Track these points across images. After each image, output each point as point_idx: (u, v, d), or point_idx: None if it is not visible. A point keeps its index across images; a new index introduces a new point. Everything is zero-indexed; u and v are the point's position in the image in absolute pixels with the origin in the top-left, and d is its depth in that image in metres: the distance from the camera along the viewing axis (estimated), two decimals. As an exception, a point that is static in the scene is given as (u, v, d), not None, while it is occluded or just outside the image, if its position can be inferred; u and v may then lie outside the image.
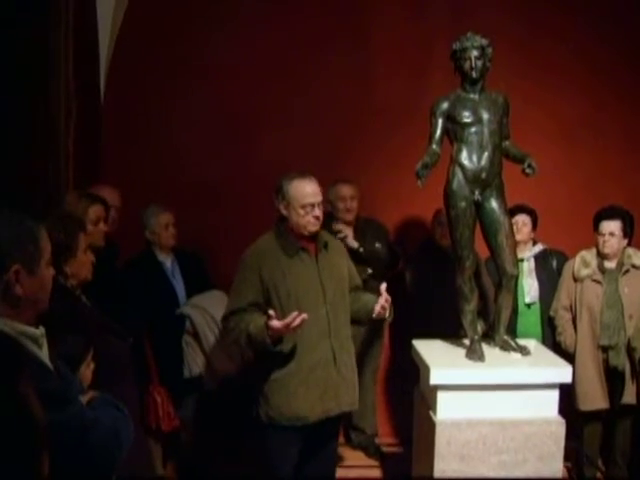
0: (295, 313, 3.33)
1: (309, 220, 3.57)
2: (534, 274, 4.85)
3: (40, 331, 2.02)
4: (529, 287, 4.83)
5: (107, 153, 5.34)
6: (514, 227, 4.74)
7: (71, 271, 3.05)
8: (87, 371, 2.47)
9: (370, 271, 4.71)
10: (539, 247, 4.92)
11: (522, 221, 4.83)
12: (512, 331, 4.63)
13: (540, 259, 4.88)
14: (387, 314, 3.67)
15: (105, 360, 2.84)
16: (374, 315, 3.61)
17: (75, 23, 4.57)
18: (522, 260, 4.80)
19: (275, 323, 3.33)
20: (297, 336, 3.49)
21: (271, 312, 3.35)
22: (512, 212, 4.76)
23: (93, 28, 5.08)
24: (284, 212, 3.63)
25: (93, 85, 5.18)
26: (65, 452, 1.90)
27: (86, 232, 3.23)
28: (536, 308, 4.84)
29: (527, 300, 4.83)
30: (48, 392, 1.88)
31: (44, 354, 2.02)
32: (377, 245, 4.94)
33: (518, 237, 4.75)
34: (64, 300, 2.26)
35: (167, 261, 4.67)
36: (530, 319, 4.83)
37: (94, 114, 5.20)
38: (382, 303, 3.56)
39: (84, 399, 2.09)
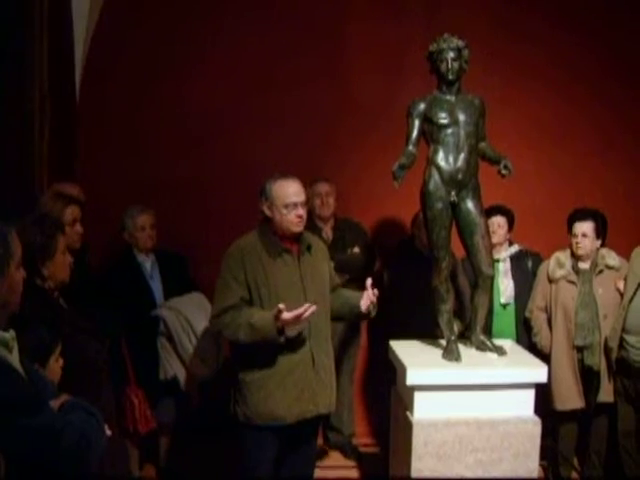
0: (307, 304, 3.41)
1: (292, 219, 3.59)
2: (510, 274, 4.87)
3: (10, 334, 1.99)
4: (505, 287, 4.85)
5: (82, 153, 5.30)
6: (490, 229, 4.78)
7: (49, 273, 3.01)
8: (56, 365, 2.45)
9: (347, 276, 4.72)
10: (515, 248, 4.94)
11: (497, 223, 4.84)
12: (487, 331, 4.64)
13: (516, 260, 4.90)
14: (372, 310, 3.72)
15: (82, 363, 2.82)
16: (363, 309, 3.68)
17: (50, 21, 4.53)
18: (498, 261, 4.82)
19: (286, 315, 3.37)
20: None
21: (281, 306, 3.37)
22: (488, 213, 4.77)
23: (68, 27, 5.03)
24: (268, 212, 3.64)
25: (68, 84, 5.13)
26: (36, 457, 1.89)
27: (64, 233, 3.20)
28: (511, 309, 4.86)
29: (502, 300, 4.84)
30: (17, 398, 1.86)
31: (14, 358, 2.00)
32: (355, 249, 5.00)
33: (494, 239, 4.77)
34: (36, 299, 2.24)
35: (147, 262, 4.65)
36: (505, 319, 4.85)
37: (69, 114, 5.16)
38: (371, 298, 3.64)
39: (56, 403, 2.08)
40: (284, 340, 3.50)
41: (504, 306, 4.86)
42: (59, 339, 2.46)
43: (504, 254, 4.89)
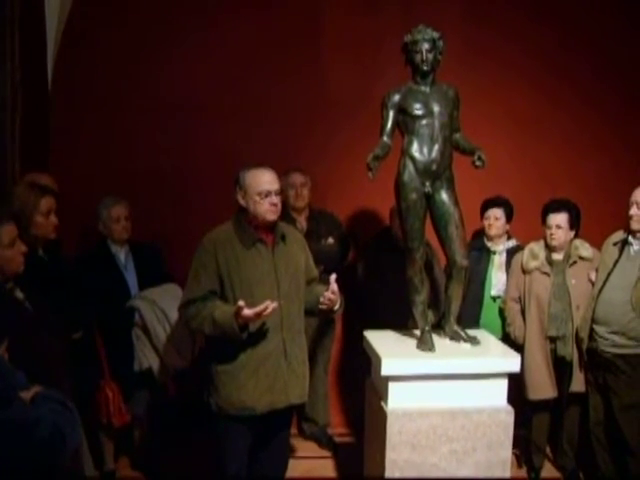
0: (268, 302, 3.38)
1: (266, 207, 3.57)
2: (504, 268, 4.87)
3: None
4: (497, 280, 4.86)
5: (56, 143, 5.25)
6: (487, 222, 4.80)
7: None
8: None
9: (322, 267, 4.72)
10: (512, 242, 4.93)
11: (494, 216, 4.86)
12: (476, 322, 4.70)
13: (511, 254, 4.88)
14: (336, 306, 3.70)
15: (37, 357, 2.76)
16: (320, 305, 3.66)
17: (22, 12, 4.48)
18: (494, 253, 4.86)
19: (246, 312, 3.35)
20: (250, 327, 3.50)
21: (241, 303, 3.35)
22: (486, 205, 4.84)
23: (40, 17, 4.98)
24: (242, 202, 3.63)
25: (40, 75, 5.08)
26: (8, 450, 1.88)
27: (17, 224, 3.09)
28: (500, 301, 4.86)
29: (493, 293, 4.86)
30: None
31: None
32: (330, 240, 5.00)
33: (492, 231, 4.82)
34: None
35: (121, 253, 4.62)
36: (494, 311, 4.86)
37: (41, 105, 5.11)
38: (328, 295, 3.60)
39: (27, 395, 2.06)
40: (246, 336, 3.48)
41: (494, 298, 4.87)
42: (6, 331, 2.42)
43: (501, 247, 4.91)
